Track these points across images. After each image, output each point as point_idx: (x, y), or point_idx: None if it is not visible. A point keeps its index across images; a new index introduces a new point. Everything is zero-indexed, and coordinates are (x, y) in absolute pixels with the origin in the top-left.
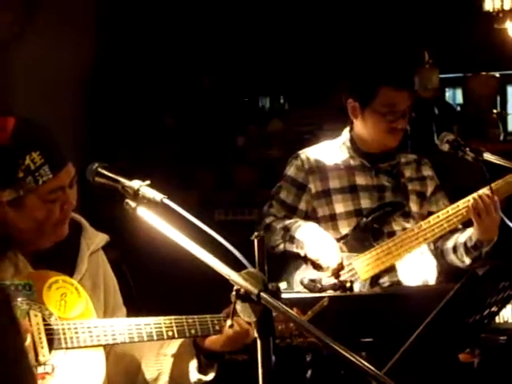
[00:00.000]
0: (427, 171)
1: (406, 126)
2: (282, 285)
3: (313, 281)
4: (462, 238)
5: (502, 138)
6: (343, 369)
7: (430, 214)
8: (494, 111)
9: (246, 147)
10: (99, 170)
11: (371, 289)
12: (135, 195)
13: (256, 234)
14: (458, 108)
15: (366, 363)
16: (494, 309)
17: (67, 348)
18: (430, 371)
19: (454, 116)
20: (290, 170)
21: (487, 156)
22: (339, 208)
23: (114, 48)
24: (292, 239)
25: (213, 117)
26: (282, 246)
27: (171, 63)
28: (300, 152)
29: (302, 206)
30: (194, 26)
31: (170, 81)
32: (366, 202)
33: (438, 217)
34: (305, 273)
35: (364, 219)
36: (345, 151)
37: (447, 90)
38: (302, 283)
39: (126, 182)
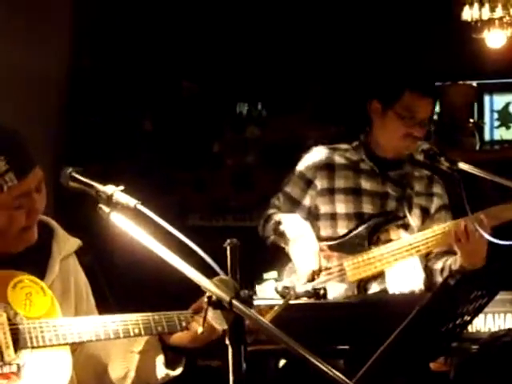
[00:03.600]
0: (437, 189)
1: (422, 136)
2: (272, 274)
3: (286, 288)
4: (450, 260)
5: (478, 147)
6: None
7: None
8: (471, 120)
9: (222, 153)
10: (73, 174)
11: (354, 294)
12: (109, 200)
13: (229, 241)
14: (435, 117)
15: (335, 371)
16: (466, 318)
17: (33, 347)
18: (401, 379)
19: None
20: (301, 165)
21: (462, 166)
22: (340, 208)
23: (92, 50)
24: (281, 234)
25: (190, 122)
26: (271, 238)
27: (150, 67)
28: (314, 148)
29: (307, 201)
30: (174, 31)
31: (149, 84)
32: (367, 207)
33: (434, 231)
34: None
35: (363, 223)
36: (357, 153)
37: None
38: (275, 290)
39: (100, 187)
